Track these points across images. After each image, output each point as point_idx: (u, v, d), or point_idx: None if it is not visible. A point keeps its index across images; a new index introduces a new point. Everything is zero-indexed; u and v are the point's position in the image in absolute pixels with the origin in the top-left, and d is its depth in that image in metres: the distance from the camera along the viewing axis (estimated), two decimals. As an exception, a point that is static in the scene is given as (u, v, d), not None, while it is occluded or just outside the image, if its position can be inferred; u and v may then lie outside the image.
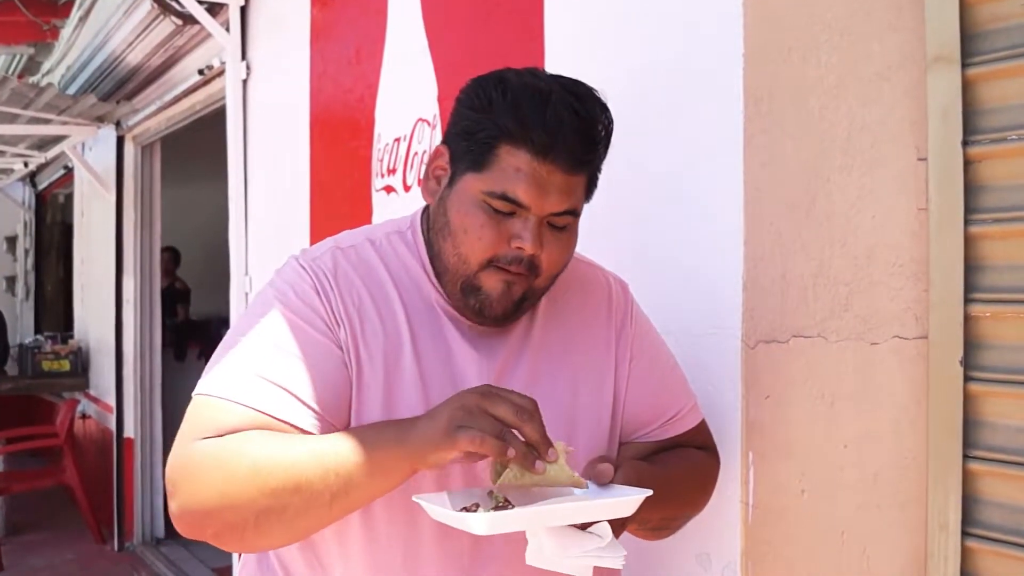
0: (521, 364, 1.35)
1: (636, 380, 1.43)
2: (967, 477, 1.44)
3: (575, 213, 1.27)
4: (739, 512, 1.61)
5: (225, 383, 1.21)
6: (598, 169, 1.31)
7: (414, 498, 1.15)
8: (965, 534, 1.44)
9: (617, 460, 1.25)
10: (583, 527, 1.13)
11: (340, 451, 1.14)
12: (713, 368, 1.67)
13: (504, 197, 1.21)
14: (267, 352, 1.23)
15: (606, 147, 1.30)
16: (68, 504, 6.77)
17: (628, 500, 1.12)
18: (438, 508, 1.11)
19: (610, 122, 1.29)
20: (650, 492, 1.14)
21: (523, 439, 1.10)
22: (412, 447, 1.12)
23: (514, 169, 1.21)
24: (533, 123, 1.20)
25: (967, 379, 1.44)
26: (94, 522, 6.39)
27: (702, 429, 1.53)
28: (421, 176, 1.37)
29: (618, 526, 1.17)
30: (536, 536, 1.12)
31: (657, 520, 1.34)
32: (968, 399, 1.44)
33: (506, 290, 1.25)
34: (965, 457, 1.44)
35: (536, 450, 1.10)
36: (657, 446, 1.46)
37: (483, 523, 1.05)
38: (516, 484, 1.12)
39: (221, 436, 1.17)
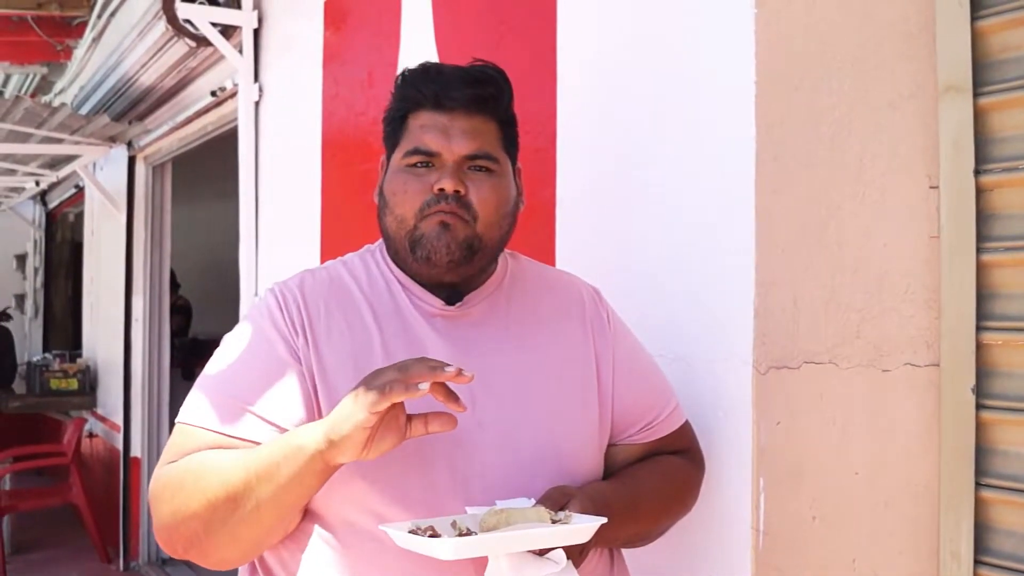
0: (502, 356, 1.38)
1: (619, 382, 1.45)
2: (979, 505, 1.44)
3: (490, 156, 1.35)
4: (749, 538, 1.60)
5: (190, 409, 1.31)
6: (506, 116, 1.41)
7: (380, 527, 1.19)
8: (977, 563, 1.44)
9: (572, 491, 1.28)
10: (541, 553, 1.18)
11: (259, 457, 1.21)
12: (724, 394, 1.67)
13: (416, 151, 1.34)
14: (227, 375, 1.32)
15: (498, 89, 1.39)
16: (74, 523, 6.74)
17: (583, 528, 1.18)
18: (403, 535, 1.15)
19: (499, 72, 1.40)
20: (604, 520, 1.19)
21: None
22: (322, 435, 1.15)
23: (419, 127, 1.35)
24: (424, 85, 1.36)
25: (979, 407, 1.44)
26: (100, 541, 6.37)
27: (685, 432, 1.54)
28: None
29: (576, 553, 1.22)
30: (497, 560, 1.18)
31: (626, 537, 1.37)
32: (980, 427, 1.44)
33: (443, 230, 1.32)
34: (977, 485, 1.44)
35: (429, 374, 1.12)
36: (642, 450, 1.47)
37: (448, 548, 1.11)
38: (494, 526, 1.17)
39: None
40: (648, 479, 1.43)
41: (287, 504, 1.23)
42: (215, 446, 1.27)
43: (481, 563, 1.25)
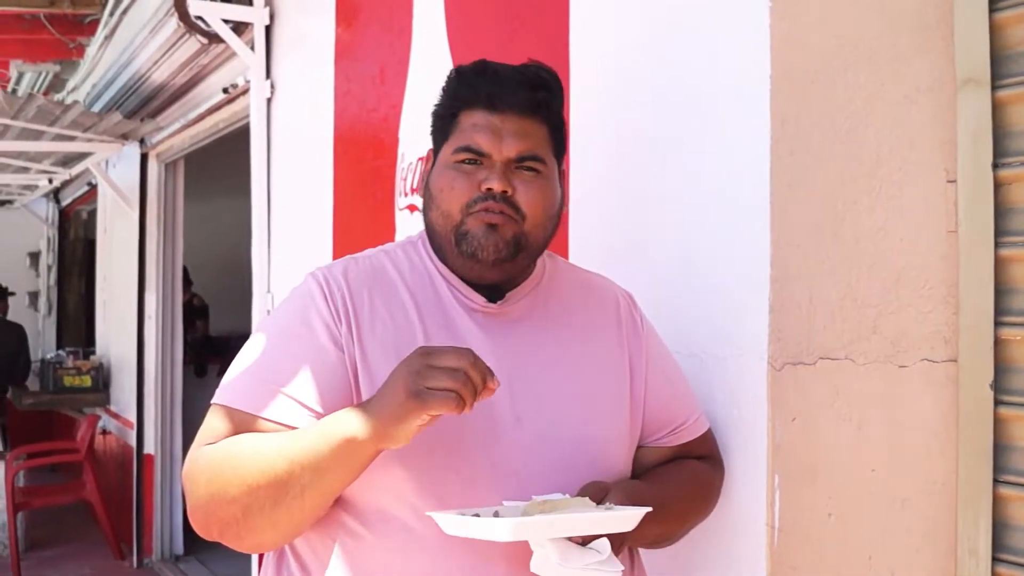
0: (540, 352, 1.40)
1: (651, 386, 1.47)
2: (997, 502, 1.43)
3: (538, 158, 1.36)
4: (765, 535, 1.59)
5: (228, 391, 1.32)
6: (557, 120, 1.41)
7: (428, 513, 1.20)
8: (995, 560, 1.42)
9: (608, 485, 1.30)
10: (584, 543, 1.20)
11: (304, 444, 1.21)
12: (739, 390, 1.66)
13: (467, 149, 1.34)
14: (267, 358, 1.33)
15: (552, 94, 1.40)
16: (87, 520, 6.77)
17: (631, 514, 1.20)
18: (455, 518, 1.16)
19: (554, 76, 1.41)
20: (649, 508, 1.22)
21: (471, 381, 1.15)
22: (372, 425, 1.16)
23: (471, 125, 1.36)
24: (479, 84, 1.36)
25: (998, 403, 1.43)
26: (113, 538, 6.40)
27: (708, 437, 1.58)
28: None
29: (616, 544, 1.23)
30: (542, 547, 1.19)
31: (653, 536, 1.38)
32: (999, 423, 1.43)
33: (491, 230, 1.33)
34: (995, 482, 1.43)
35: (484, 383, 1.15)
36: (667, 453, 1.50)
37: (506, 529, 1.12)
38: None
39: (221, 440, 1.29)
40: (676, 481, 1.46)
41: (334, 490, 1.24)
42: (250, 428, 1.28)
43: (513, 558, 1.27)
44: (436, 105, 1.43)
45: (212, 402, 1.33)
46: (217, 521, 1.27)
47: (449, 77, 1.42)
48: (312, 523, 1.29)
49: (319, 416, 1.27)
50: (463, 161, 1.35)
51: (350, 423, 1.18)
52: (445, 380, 1.13)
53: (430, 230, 1.40)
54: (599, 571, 1.19)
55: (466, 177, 1.34)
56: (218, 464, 1.26)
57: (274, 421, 1.27)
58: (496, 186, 1.32)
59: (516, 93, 1.35)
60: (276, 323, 1.38)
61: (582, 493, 1.27)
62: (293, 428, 1.26)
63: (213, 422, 1.31)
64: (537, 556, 1.20)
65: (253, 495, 1.21)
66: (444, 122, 1.40)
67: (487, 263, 1.33)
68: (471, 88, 1.36)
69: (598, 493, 1.26)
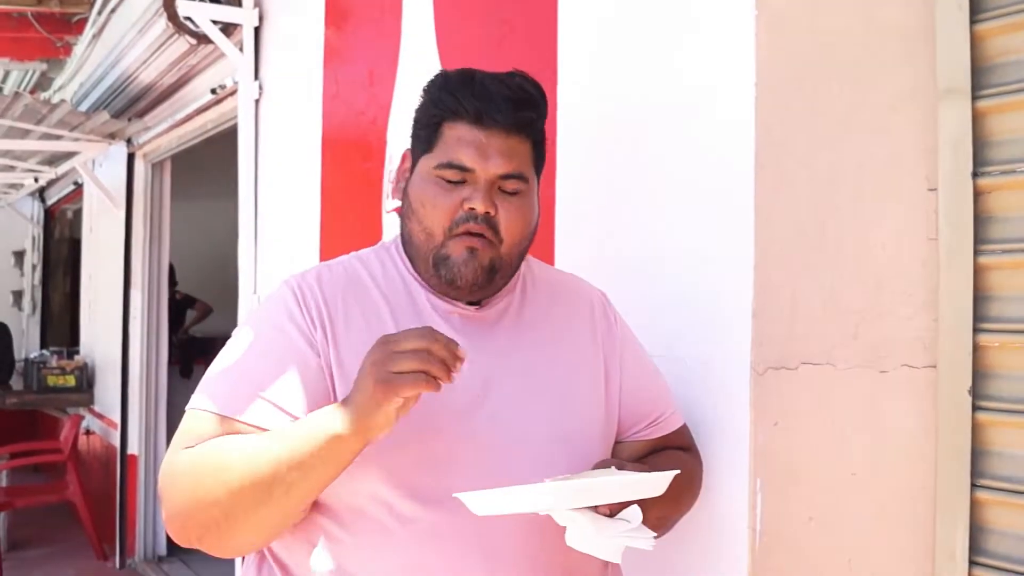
0: (515, 353, 1.41)
1: (626, 381, 1.48)
2: (975, 506, 1.45)
3: (522, 177, 1.36)
4: (747, 539, 1.61)
5: (205, 395, 1.31)
6: (540, 136, 1.41)
7: (455, 495, 1.19)
8: (972, 563, 1.44)
9: (618, 462, 1.32)
10: (611, 513, 1.22)
11: (288, 443, 1.20)
12: (722, 394, 1.67)
13: (451, 165, 1.33)
14: (243, 364, 1.33)
15: (538, 112, 1.39)
16: (70, 520, 6.74)
17: (660, 477, 1.22)
18: (489, 494, 1.16)
19: (539, 91, 1.40)
20: (678, 471, 1.24)
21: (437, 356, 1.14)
22: (353, 420, 1.16)
23: (456, 139, 1.34)
24: (464, 96, 1.34)
25: (975, 408, 1.45)
26: (96, 538, 6.37)
27: (685, 431, 1.59)
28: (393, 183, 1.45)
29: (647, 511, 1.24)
30: (575, 522, 1.20)
31: (653, 519, 1.39)
32: (976, 428, 1.45)
33: (471, 256, 1.33)
34: (973, 486, 1.45)
35: (450, 359, 1.15)
36: (647, 446, 1.51)
37: (547, 494, 1.15)
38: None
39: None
40: (667, 466, 1.45)
41: (319, 487, 1.24)
42: (227, 433, 1.27)
43: (489, 550, 1.28)
44: (418, 109, 1.41)
45: (188, 407, 1.32)
46: (196, 525, 1.26)
47: (433, 82, 1.40)
48: (292, 524, 1.30)
49: (295, 419, 1.27)
50: (447, 178, 1.34)
51: (332, 420, 1.18)
52: (410, 362, 1.13)
53: (408, 239, 1.40)
54: (634, 539, 1.21)
55: (448, 194, 1.33)
56: (197, 467, 1.25)
57: (253, 425, 1.27)
58: (480, 207, 1.31)
59: (503, 111, 1.33)
60: (251, 330, 1.37)
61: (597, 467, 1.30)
62: (268, 430, 1.26)
63: (191, 425, 1.31)
64: (571, 530, 1.21)
65: (237, 496, 1.21)
66: (427, 131, 1.38)
67: (464, 289, 1.35)
68: (458, 100, 1.34)
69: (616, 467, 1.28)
